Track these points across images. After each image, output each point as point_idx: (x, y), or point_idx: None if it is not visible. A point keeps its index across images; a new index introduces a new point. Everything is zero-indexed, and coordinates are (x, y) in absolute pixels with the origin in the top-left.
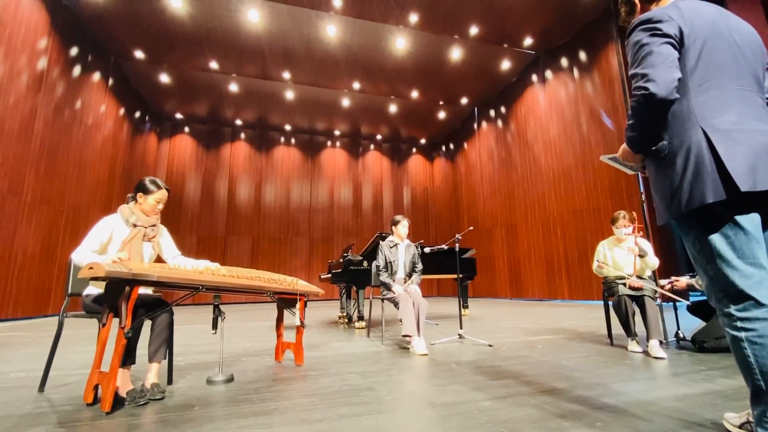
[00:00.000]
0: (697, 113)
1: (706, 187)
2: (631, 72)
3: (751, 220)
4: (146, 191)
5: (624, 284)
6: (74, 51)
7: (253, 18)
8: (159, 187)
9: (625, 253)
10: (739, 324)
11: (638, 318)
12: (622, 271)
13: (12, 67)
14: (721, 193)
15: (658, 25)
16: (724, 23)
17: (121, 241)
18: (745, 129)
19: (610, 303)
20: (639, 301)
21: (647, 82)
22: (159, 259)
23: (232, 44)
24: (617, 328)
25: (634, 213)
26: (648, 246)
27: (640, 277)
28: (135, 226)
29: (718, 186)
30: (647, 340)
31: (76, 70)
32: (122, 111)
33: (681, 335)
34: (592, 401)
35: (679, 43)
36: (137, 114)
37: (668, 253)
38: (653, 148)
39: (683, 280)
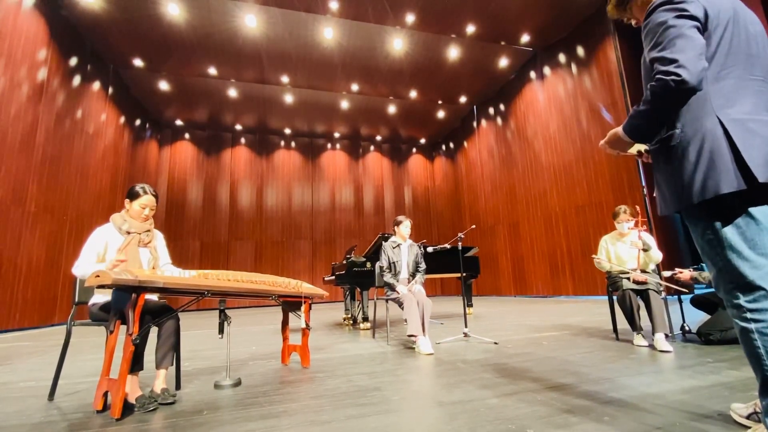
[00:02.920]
0: (713, 102)
1: (721, 177)
2: (654, 55)
3: (762, 211)
4: (132, 197)
5: (628, 278)
6: (74, 61)
7: (250, 23)
8: (145, 192)
9: (629, 248)
10: (748, 315)
11: (643, 312)
12: (626, 265)
13: (12, 79)
14: (741, 183)
15: (684, 6)
16: (741, 9)
17: (116, 249)
18: (760, 119)
19: (615, 298)
20: (644, 295)
21: (678, 68)
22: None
23: (230, 50)
24: (622, 322)
25: (637, 207)
26: (651, 240)
27: (644, 271)
28: (129, 233)
29: (736, 176)
30: (653, 334)
31: (76, 80)
32: (123, 119)
33: (686, 328)
34: (599, 396)
35: (703, 27)
36: (138, 122)
37: (672, 247)
38: (663, 136)
39: (687, 273)
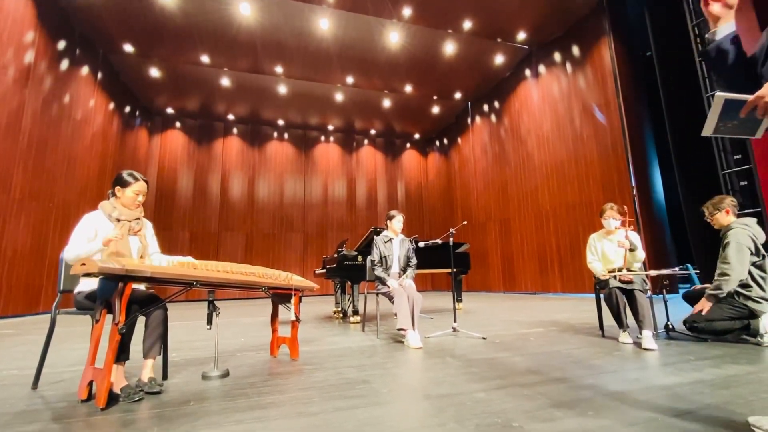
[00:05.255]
0: None
1: None
2: None
3: None
4: (124, 184)
5: (615, 277)
6: (62, 44)
7: (245, 11)
8: (136, 179)
9: (615, 246)
10: None
11: (629, 310)
12: (612, 264)
13: None
14: None
15: None
16: None
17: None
18: None
19: (602, 296)
20: (629, 293)
21: None
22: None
23: (224, 38)
24: (609, 320)
25: (625, 207)
26: (637, 239)
27: (630, 270)
28: (119, 220)
29: None
30: (639, 332)
31: (64, 64)
32: (112, 106)
33: (671, 326)
34: (584, 391)
35: None
36: (127, 109)
37: (658, 246)
38: None
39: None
